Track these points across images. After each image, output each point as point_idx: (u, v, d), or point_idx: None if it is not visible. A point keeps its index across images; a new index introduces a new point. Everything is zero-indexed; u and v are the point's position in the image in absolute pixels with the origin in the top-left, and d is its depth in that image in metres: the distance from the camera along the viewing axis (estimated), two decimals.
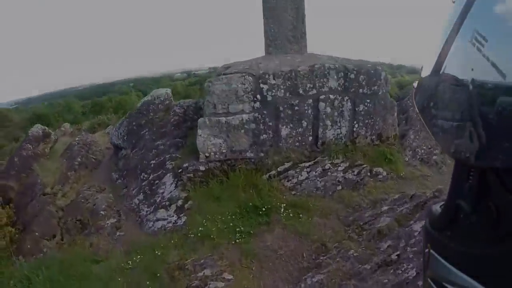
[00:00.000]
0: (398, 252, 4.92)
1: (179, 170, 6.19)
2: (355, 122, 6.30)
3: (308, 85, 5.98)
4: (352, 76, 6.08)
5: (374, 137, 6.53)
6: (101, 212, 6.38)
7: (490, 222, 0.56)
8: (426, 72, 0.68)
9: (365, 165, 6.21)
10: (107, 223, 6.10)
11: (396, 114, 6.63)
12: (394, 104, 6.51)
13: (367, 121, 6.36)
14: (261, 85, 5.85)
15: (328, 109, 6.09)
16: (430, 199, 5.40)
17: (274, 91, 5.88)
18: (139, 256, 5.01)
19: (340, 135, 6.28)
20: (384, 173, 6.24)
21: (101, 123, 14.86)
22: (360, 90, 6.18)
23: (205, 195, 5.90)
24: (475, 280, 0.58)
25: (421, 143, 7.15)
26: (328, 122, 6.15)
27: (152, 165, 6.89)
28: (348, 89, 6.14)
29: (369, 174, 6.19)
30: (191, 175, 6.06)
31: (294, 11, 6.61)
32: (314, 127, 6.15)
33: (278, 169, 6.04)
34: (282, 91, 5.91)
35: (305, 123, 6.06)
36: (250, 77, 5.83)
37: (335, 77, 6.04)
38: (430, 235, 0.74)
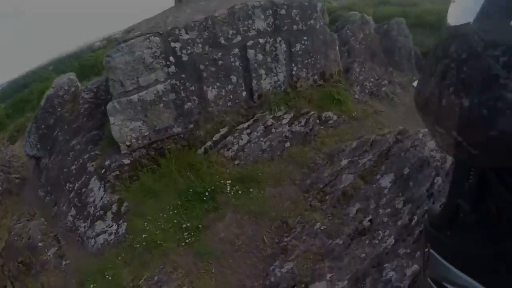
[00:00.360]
0: (370, 217, 4.26)
1: (102, 171, 4.99)
2: (293, 64, 5.33)
3: (231, 31, 4.83)
4: (283, 12, 4.99)
5: (316, 77, 5.65)
6: (39, 244, 5.20)
7: (490, 222, 0.56)
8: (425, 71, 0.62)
9: (312, 112, 5.38)
10: (49, 255, 5.00)
11: (337, 47, 5.73)
12: (334, 37, 5.59)
13: (306, 61, 5.42)
14: (172, 44, 4.61)
15: (259, 56, 5.03)
16: (393, 144, 4.73)
17: (189, 48, 4.67)
18: (92, 286, 4.14)
19: (278, 82, 5.32)
20: (335, 117, 5.47)
21: (20, 129, 12.23)
22: (295, 27, 5.14)
23: (139, 192, 4.84)
24: (475, 280, 0.58)
25: (367, 75, 6.40)
26: (262, 71, 5.13)
27: (73, 171, 5.62)
28: (280, 28, 5.07)
29: (318, 121, 5.38)
30: (117, 172, 4.90)
31: None
32: (246, 80, 5.11)
33: (214, 139, 5.04)
34: (200, 45, 4.71)
35: (235, 77, 4.99)
36: (156, 38, 4.55)
37: (262, 16, 4.92)
38: (430, 235, 0.73)
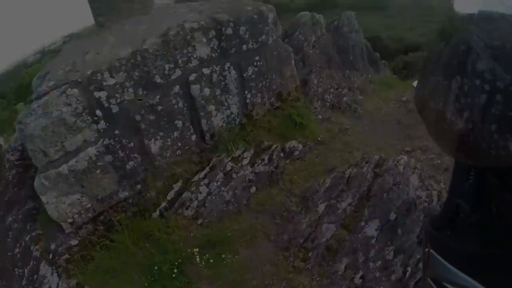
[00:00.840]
0: (360, 273, 3.72)
1: (50, 256, 3.91)
2: (246, 92, 4.48)
3: (167, 66, 3.81)
4: (229, 31, 4.03)
5: (273, 99, 4.86)
6: None
7: (490, 222, 0.57)
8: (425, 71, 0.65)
9: (274, 145, 4.63)
10: None
11: (293, 61, 4.94)
12: (289, 50, 4.77)
13: (260, 84, 4.59)
14: (96, 94, 3.52)
15: (206, 90, 4.10)
16: (372, 181, 4.17)
17: (118, 95, 3.61)
18: None
19: (232, 116, 4.46)
20: (300, 146, 4.79)
21: None
22: (244, 47, 4.24)
23: (97, 274, 3.89)
24: (475, 280, 0.58)
25: (326, 85, 5.73)
26: (211, 107, 4.22)
27: (18, 256, 4.44)
28: (227, 51, 4.14)
29: (282, 155, 4.66)
30: (67, 255, 3.85)
31: None
32: (194, 120, 4.19)
33: (168, 198, 4.13)
34: (131, 90, 3.66)
35: (180, 122, 4.04)
36: (74, 90, 3.42)
37: (204, 40, 3.94)
38: (430, 235, 0.73)
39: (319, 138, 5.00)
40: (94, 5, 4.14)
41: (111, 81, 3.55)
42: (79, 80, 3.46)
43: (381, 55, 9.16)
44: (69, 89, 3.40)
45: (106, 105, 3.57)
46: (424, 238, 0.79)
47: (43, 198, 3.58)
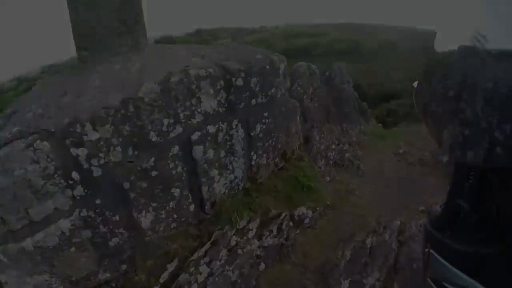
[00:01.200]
0: None
1: None
2: (252, 153, 3.88)
3: (166, 120, 3.14)
4: (240, 82, 3.46)
5: (277, 159, 4.28)
6: None
7: (490, 222, 0.57)
8: (426, 71, 0.64)
9: (283, 214, 3.99)
10: None
11: (299, 117, 4.46)
12: (296, 105, 4.28)
13: (267, 143, 4.01)
14: (73, 151, 2.74)
15: (210, 152, 3.45)
16: (398, 251, 3.62)
17: (102, 155, 2.85)
18: None
19: (236, 180, 3.80)
20: (310, 213, 4.17)
21: None
22: (253, 101, 3.68)
23: None
24: (475, 280, 0.57)
25: (328, 141, 5.27)
26: (215, 172, 3.55)
27: None
28: (236, 105, 3.56)
29: (291, 224, 4.02)
30: None
31: None
32: (194, 187, 3.47)
33: (161, 281, 3.28)
34: (119, 149, 2.92)
35: (178, 190, 3.31)
36: (45, 143, 2.62)
37: (212, 91, 3.33)
38: (430, 235, 0.72)
39: (328, 202, 4.44)
40: (77, 33, 3.43)
41: (94, 136, 2.78)
42: (52, 130, 2.66)
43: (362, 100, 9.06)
44: (38, 141, 2.58)
45: (85, 166, 2.78)
46: (424, 239, 0.75)
47: (1, 277, 2.64)
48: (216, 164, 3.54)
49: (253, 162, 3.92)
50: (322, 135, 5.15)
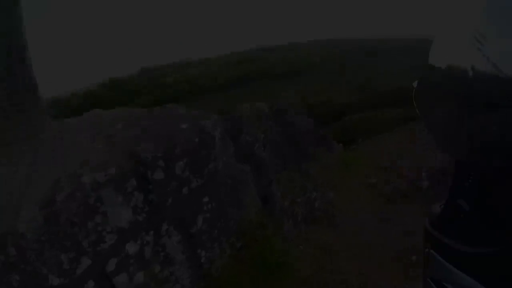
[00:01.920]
0: None
1: None
2: (199, 250, 2.99)
3: (64, 256, 2.19)
4: (160, 175, 2.57)
5: (233, 239, 3.42)
6: None
7: (490, 222, 0.56)
8: (426, 71, 0.61)
9: None
10: None
11: (251, 180, 3.63)
12: (246, 170, 3.45)
13: (216, 230, 3.15)
14: None
15: (140, 276, 2.53)
16: None
17: None
18: None
19: None
20: None
21: None
22: (185, 190, 2.80)
23: None
24: (475, 280, 0.56)
25: (292, 194, 4.44)
26: None
27: None
28: (161, 204, 2.66)
29: None
30: None
31: None
32: None
33: None
34: None
35: None
36: None
37: (120, 198, 2.41)
38: (430, 235, 0.69)
39: (305, 276, 3.61)
40: None
41: None
42: None
43: (315, 122, 8.47)
44: None
45: None
46: (424, 239, 0.70)
47: None
48: (152, 284, 2.61)
49: (203, 260, 3.04)
50: (283, 189, 4.32)
